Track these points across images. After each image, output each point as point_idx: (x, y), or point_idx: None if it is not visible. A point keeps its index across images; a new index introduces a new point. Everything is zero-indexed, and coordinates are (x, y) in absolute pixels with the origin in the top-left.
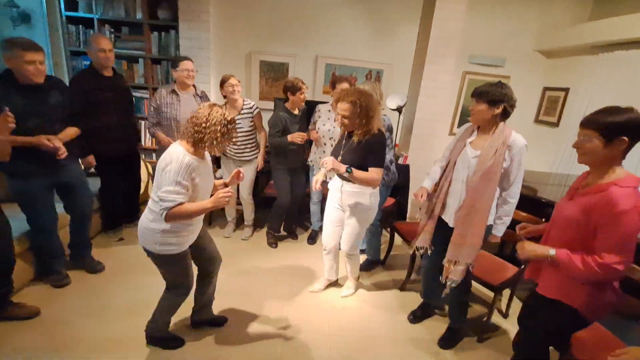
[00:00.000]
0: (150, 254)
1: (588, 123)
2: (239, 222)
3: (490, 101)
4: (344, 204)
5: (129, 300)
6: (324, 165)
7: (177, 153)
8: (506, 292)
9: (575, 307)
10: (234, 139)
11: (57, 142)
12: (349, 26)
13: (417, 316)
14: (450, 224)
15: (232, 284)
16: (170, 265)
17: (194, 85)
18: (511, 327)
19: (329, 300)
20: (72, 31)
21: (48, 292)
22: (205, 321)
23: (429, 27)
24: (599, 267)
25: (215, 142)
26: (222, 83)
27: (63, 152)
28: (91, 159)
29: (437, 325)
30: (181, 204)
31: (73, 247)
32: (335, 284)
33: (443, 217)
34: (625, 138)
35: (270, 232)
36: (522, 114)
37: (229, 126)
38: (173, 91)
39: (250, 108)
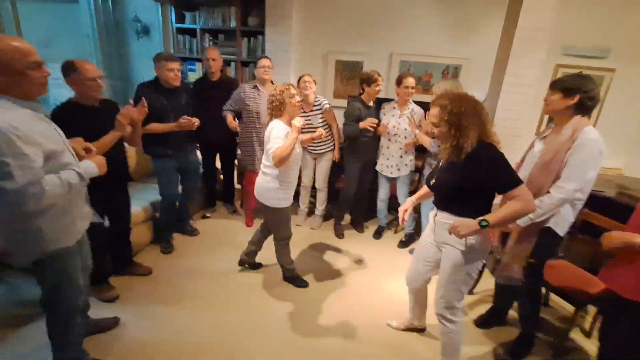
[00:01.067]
0: (266, 208)
1: None
2: (311, 211)
3: (565, 89)
4: (439, 240)
5: (218, 267)
6: (452, 232)
7: (278, 123)
8: (593, 311)
9: None
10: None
11: (193, 119)
12: (424, 21)
13: (485, 320)
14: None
15: (299, 266)
16: (279, 215)
17: (272, 82)
18: (594, 347)
19: (391, 291)
20: (180, 40)
21: (159, 255)
22: (250, 263)
23: (515, 18)
24: None
25: (281, 108)
26: (298, 80)
27: (197, 122)
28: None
29: (508, 332)
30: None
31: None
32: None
33: None
34: None
35: (337, 224)
36: (632, 111)
37: (283, 94)
38: (255, 87)
39: (319, 105)
